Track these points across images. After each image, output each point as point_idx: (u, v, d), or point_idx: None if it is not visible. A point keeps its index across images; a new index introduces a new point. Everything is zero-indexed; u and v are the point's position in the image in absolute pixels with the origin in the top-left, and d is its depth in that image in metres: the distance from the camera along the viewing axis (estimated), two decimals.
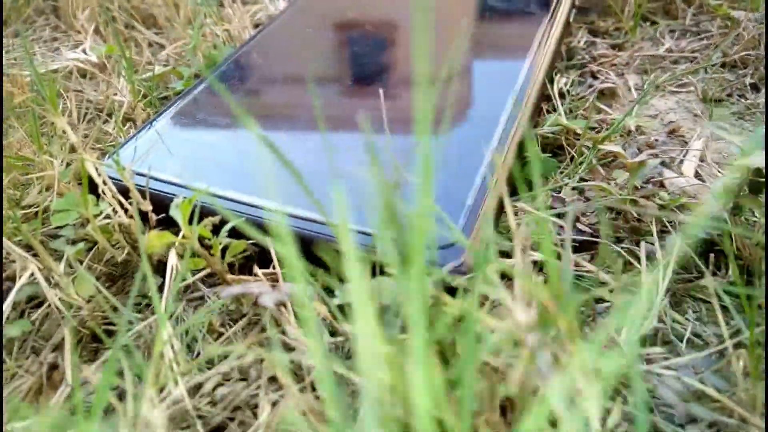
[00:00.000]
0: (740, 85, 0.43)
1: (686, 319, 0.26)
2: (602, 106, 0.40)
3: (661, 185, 0.33)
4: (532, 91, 0.36)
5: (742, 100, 0.42)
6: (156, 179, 0.28)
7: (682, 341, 0.25)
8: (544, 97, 0.38)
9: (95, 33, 0.46)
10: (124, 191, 0.28)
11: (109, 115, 0.38)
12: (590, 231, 0.30)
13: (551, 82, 0.39)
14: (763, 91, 0.43)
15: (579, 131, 0.35)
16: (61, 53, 0.43)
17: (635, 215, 0.29)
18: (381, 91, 0.35)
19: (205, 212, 0.25)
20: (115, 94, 0.39)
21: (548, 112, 0.39)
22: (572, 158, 0.35)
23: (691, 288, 0.27)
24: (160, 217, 0.27)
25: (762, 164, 0.24)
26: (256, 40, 0.40)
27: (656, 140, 0.38)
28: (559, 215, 0.30)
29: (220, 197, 0.28)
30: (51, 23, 0.49)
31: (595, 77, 0.44)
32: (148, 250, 0.24)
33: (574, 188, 0.33)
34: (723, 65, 0.46)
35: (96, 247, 0.28)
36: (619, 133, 0.38)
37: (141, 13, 0.48)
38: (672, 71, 0.45)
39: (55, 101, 0.27)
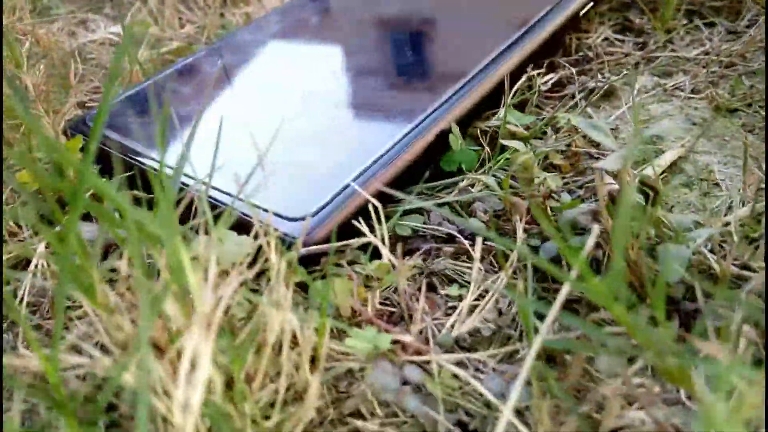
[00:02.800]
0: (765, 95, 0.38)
1: None
2: (552, 105, 0.37)
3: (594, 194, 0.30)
4: (483, 82, 0.34)
5: (761, 112, 0.37)
6: None
7: None
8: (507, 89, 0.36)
9: (138, 11, 0.52)
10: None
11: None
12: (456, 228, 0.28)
13: (519, 75, 0.37)
14: None
15: (515, 128, 0.33)
16: (100, 27, 0.49)
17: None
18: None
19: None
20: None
21: (519, 105, 0.37)
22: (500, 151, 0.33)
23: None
24: None
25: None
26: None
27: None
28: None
29: None
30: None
31: (587, 75, 0.41)
32: None
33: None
34: (755, 72, 0.40)
35: None
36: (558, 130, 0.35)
37: None
38: (694, 74, 0.40)
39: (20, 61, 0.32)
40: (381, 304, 0.26)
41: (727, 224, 0.27)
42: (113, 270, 0.26)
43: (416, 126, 0.31)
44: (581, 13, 0.42)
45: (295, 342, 0.21)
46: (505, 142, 0.31)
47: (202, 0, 0.53)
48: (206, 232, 0.20)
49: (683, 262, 0.23)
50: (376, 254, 0.26)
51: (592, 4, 0.43)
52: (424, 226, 0.29)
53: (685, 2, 0.48)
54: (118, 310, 0.16)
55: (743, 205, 0.28)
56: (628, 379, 0.18)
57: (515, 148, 0.30)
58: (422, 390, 0.21)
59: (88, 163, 0.17)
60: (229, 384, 0.18)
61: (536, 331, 0.21)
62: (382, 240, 0.25)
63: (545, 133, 0.35)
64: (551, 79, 0.40)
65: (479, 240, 0.26)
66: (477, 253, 0.25)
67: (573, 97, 0.39)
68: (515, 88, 0.36)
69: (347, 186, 0.28)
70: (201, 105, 0.34)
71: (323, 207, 0.27)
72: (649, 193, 0.24)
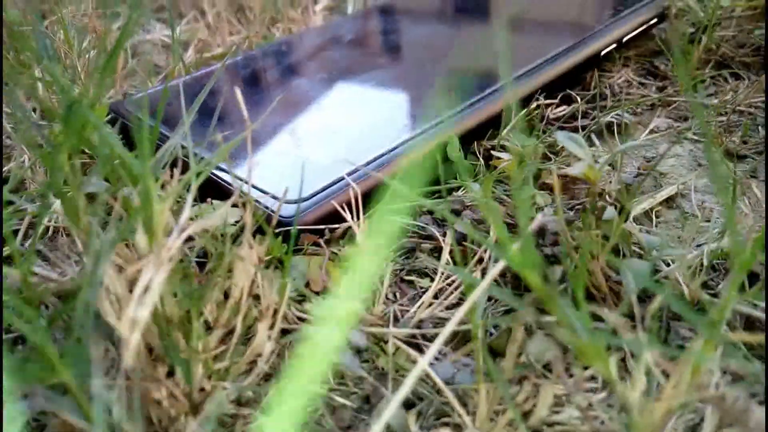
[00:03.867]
0: None
1: None
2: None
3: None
4: (490, 104, 0.36)
5: None
6: None
7: None
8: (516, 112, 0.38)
9: (194, 20, 0.56)
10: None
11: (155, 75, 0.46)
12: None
13: (529, 102, 0.38)
14: None
15: (514, 146, 0.34)
16: (156, 29, 0.53)
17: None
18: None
19: None
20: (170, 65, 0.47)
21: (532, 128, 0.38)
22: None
23: None
24: None
25: None
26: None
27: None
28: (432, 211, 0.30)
29: None
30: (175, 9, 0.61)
31: (600, 110, 0.42)
32: None
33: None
34: None
35: None
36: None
37: (235, 4, 0.57)
38: (711, 120, 0.41)
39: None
40: None
41: (701, 249, 0.27)
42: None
43: (419, 134, 0.33)
44: (602, 53, 0.43)
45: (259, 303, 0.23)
46: (496, 154, 0.32)
47: (255, 16, 0.57)
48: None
49: (644, 276, 0.23)
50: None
51: (615, 45, 0.44)
52: (413, 223, 0.30)
53: (717, 54, 0.49)
54: (94, 230, 0.18)
55: (722, 237, 0.29)
56: (557, 365, 0.19)
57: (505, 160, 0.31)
58: (364, 355, 0.22)
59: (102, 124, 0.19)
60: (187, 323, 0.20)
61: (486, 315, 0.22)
62: (358, 226, 0.27)
63: (546, 155, 0.36)
64: (563, 110, 0.41)
65: (450, 233, 0.27)
66: (447, 246, 0.26)
67: (584, 129, 0.40)
68: (523, 113, 0.38)
69: (342, 178, 0.29)
70: (225, 99, 0.37)
71: (316, 193, 0.29)
72: (617, 206, 0.25)
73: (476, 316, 0.20)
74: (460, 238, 0.28)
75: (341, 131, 0.34)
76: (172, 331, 0.19)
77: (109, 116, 0.37)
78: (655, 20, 0.48)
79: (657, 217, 0.33)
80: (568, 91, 0.42)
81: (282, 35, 0.52)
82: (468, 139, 0.35)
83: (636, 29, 0.46)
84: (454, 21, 0.50)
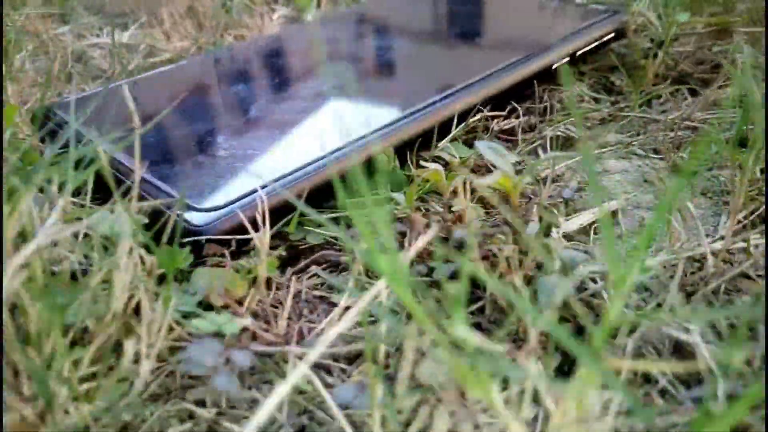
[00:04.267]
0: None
1: None
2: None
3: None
4: (427, 115, 0.35)
5: (719, 177, 0.36)
6: None
7: None
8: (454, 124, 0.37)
9: (149, 25, 0.55)
10: None
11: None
12: None
13: (472, 114, 0.37)
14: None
15: (451, 158, 0.33)
16: (103, 34, 0.52)
17: None
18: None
19: None
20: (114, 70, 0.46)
21: (468, 142, 0.37)
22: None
23: None
24: None
25: None
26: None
27: (554, 194, 0.34)
28: None
29: None
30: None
31: (548, 124, 0.41)
32: None
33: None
34: (727, 141, 0.39)
35: None
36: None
37: (192, 14, 0.56)
38: (664, 135, 0.40)
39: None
40: (272, 306, 0.26)
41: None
42: None
43: (345, 146, 0.32)
44: (554, 67, 0.42)
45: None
46: (424, 164, 0.31)
47: (210, 22, 0.56)
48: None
49: (563, 292, 0.22)
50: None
51: (567, 60, 0.43)
52: (330, 235, 0.29)
53: (675, 70, 0.48)
54: None
55: (656, 254, 0.27)
56: (449, 389, 0.17)
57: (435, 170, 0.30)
58: (249, 374, 0.20)
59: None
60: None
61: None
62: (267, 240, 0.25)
63: (488, 167, 0.35)
64: (510, 123, 0.40)
65: (357, 250, 0.25)
66: (356, 265, 0.25)
67: (532, 142, 0.39)
68: (462, 125, 0.36)
69: (255, 191, 0.28)
70: (154, 104, 0.36)
71: (226, 204, 0.27)
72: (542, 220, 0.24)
73: (370, 336, 0.18)
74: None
75: (266, 142, 0.33)
76: (33, 346, 0.18)
77: (40, 120, 0.36)
78: (612, 35, 0.47)
79: (596, 233, 0.32)
80: (515, 104, 0.41)
81: (233, 42, 0.51)
82: (404, 150, 0.34)
83: (590, 44, 0.45)
84: (402, 33, 0.48)
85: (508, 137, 0.39)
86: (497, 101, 0.39)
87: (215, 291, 0.23)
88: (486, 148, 0.24)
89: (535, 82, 0.41)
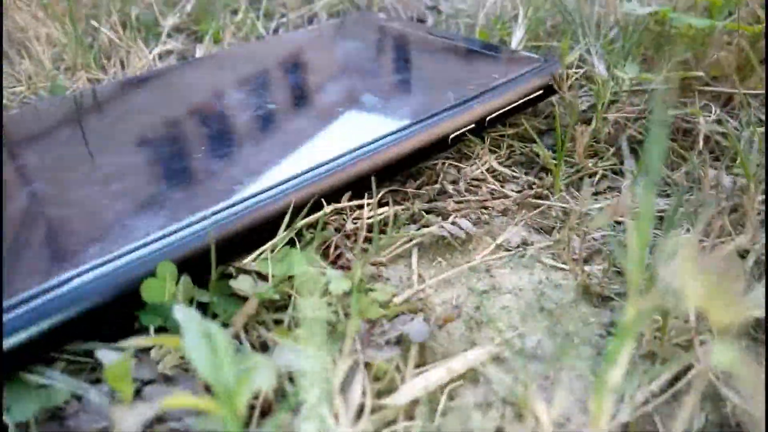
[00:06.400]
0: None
1: None
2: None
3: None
4: (246, 212, 0.25)
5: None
6: None
7: None
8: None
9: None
10: None
11: None
12: None
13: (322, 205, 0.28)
14: None
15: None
16: None
17: None
18: None
19: None
20: None
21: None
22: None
23: None
24: None
25: None
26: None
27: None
28: None
29: None
30: None
31: (434, 214, 0.32)
32: None
33: None
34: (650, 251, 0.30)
35: None
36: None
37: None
38: (581, 235, 0.31)
39: None
40: None
41: None
42: None
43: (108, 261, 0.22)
44: (451, 137, 0.33)
45: None
46: (233, 284, 0.22)
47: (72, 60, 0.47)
48: None
49: None
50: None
51: (472, 126, 0.34)
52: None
53: (623, 138, 0.39)
54: None
55: None
56: None
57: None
58: None
59: None
60: None
61: None
62: None
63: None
64: (383, 213, 0.31)
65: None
66: None
67: (409, 241, 0.30)
68: (305, 222, 0.27)
69: None
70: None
71: None
72: None
73: None
74: None
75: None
76: None
77: None
78: (539, 93, 0.38)
79: (451, 398, 0.22)
80: (394, 187, 0.32)
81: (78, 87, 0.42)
82: (200, 265, 0.24)
83: (507, 106, 0.36)
84: (265, 88, 0.37)
85: (369, 235, 0.30)
86: (362, 187, 0.30)
87: None
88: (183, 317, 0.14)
89: (424, 157, 0.32)
